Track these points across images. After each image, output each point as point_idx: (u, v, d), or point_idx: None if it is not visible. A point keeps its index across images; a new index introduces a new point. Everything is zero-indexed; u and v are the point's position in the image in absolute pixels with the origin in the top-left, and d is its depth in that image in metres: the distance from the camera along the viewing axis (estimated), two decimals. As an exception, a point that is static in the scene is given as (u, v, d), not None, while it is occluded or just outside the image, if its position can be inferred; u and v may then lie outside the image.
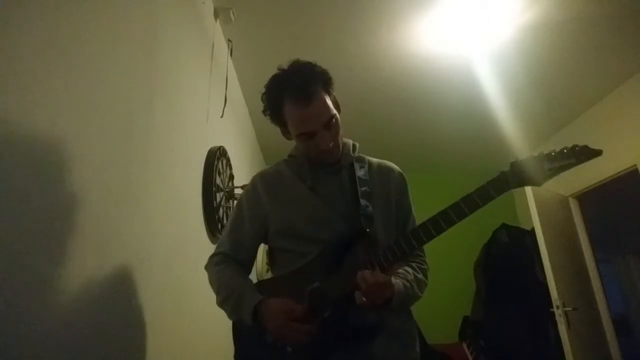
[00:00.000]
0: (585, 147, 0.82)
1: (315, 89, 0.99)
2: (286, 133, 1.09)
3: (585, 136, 3.20)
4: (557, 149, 0.84)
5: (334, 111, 1.03)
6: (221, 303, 1.08)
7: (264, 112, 1.08)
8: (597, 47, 2.59)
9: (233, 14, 2.11)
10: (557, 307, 2.86)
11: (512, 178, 0.85)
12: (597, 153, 0.82)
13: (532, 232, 3.19)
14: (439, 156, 4.31)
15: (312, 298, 0.96)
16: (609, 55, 2.70)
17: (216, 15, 2.12)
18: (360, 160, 1.14)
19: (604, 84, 3.06)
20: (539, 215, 3.04)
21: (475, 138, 3.78)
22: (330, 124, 1.01)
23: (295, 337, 0.94)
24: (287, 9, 2.16)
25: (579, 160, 0.82)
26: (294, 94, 0.99)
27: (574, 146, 0.83)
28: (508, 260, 3.81)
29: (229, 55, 2.34)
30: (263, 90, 1.07)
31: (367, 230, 1.00)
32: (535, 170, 0.85)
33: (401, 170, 1.18)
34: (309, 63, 1.04)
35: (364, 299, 0.90)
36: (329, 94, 1.04)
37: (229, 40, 2.30)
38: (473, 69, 2.71)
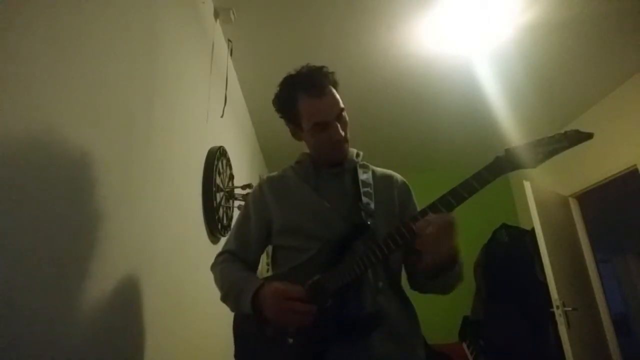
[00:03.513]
0: (576, 130, 0.84)
1: (327, 84, 1.07)
2: (297, 132, 1.14)
3: (585, 136, 3.19)
4: (549, 135, 0.86)
5: (343, 105, 1.10)
6: (224, 297, 1.08)
7: (277, 111, 1.14)
8: (597, 47, 2.59)
9: (233, 14, 2.12)
10: (557, 307, 2.86)
11: (507, 162, 0.87)
12: (588, 136, 0.83)
13: (532, 232, 3.19)
14: (439, 156, 4.31)
15: (313, 290, 0.96)
16: (609, 55, 2.70)
17: (216, 15, 2.12)
18: (364, 166, 1.18)
19: (604, 84, 3.06)
20: (539, 215, 3.04)
21: (475, 138, 3.78)
22: (341, 115, 1.08)
23: (296, 319, 0.91)
24: (287, 9, 2.17)
25: (571, 143, 0.84)
26: (308, 88, 1.06)
27: (565, 131, 0.85)
28: (508, 260, 3.80)
29: (229, 55, 2.34)
30: (274, 95, 1.13)
31: (368, 223, 1.01)
32: (529, 154, 0.87)
33: (404, 179, 1.21)
34: (317, 66, 1.11)
35: (428, 248, 0.89)
36: (337, 92, 1.11)
37: (229, 40, 2.30)
38: (473, 69, 2.71)
